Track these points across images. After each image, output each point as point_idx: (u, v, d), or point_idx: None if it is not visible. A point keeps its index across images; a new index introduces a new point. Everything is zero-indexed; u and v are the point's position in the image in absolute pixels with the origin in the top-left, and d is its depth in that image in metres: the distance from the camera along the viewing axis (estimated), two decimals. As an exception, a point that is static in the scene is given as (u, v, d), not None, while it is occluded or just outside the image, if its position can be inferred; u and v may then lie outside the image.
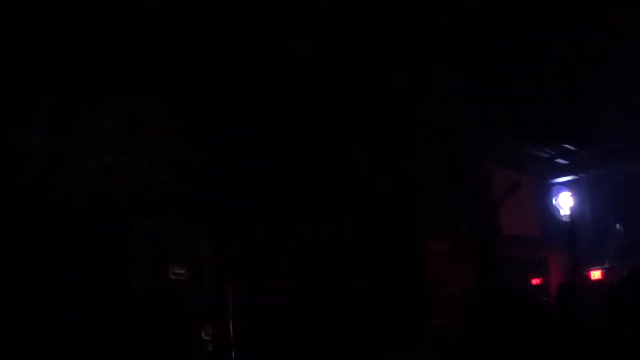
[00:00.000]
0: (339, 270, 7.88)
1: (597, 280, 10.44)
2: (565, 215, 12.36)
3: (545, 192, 12.94)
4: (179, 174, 6.81)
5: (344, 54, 7.51)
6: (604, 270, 10.62)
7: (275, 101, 7.55)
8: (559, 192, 12.75)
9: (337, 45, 7.36)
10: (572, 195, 12.52)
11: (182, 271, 6.36)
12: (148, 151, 6.66)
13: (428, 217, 9.03)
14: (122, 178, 6.36)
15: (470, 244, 8.40)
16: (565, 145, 11.31)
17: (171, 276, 6.27)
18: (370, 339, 7.43)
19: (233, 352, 6.46)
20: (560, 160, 12.16)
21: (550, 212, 12.67)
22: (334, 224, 7.99)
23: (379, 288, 8.12)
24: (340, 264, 7.91)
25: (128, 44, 6.46)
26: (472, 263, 8.35)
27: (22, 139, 5.64)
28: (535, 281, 11.40)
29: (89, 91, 6.26)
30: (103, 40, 6.24)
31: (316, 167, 7.93)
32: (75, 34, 6.09)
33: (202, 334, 6.39)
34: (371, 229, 8.41)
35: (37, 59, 5.82)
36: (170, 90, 6.88)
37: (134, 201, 6.34)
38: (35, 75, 5.81)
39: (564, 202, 12.54)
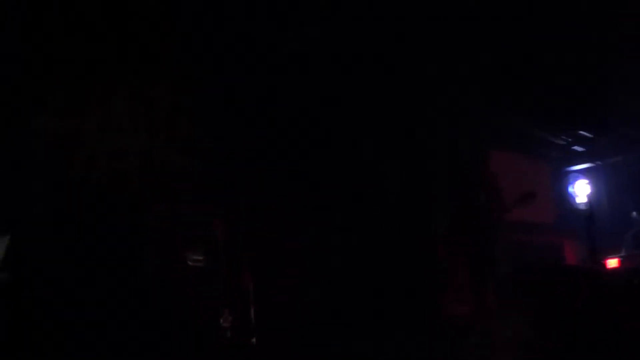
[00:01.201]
0: (352, 257, 7.90)
1: (614, 268, 10.39)
2: (581, 202, 12.28)
3: (561, 180, 12.88)
4: (195, 158, 6.83)
5: (349, 45, 7.50)
6: (620, 259, 10.56)
7: (290, 92, 7.55)
8: (576, 179, 12.66)
9: (341, 37, 7.35)
10: (589, 183, 12.43)
11: (200, 257, 6.37)
12: (164, 135, 6.68)
13: (437, 203, 9.03)
14: (138, 162, 6.38)
15: (470, 231, 8.35)
16: (582, 133, 11.24)
17: (189, 262, 6.28)
18: (381, 327, 7.44)
19: (254, 339, 6.47)
20: (576, 148, 12.09)
21: (566, 200, 12.61)
22: (346, 209, 8.01)
23: (390, 275, 8.14)
24: (352, 250, 7.92)
25: (142, 29, 6.47)
26: (471, 252, 8.32)
27: (37, 122, 5.66)
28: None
29: (104, 75, 6.28)
30: (118, 23, 6.26)
31: (326, 155, 7.94)
32: (90, 18, 6.11)
33: (221, 320, 6.41)
34: (382, 215, 8.43)
35: (50, 41, 5.83)
36: (185, 75, 6.89)
37: (150, 185, 6.36)
38: (50, 59, 5.83)
39: (580, 190, 12.45)
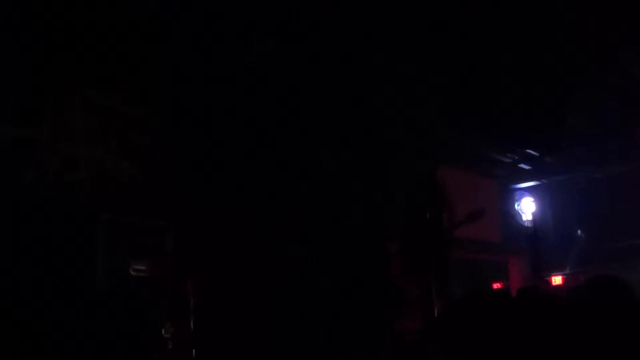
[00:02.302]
0: (302, 272, 7.85)
1: (557, 286, 10.53)
2: (527, 220, 12.45)
3: (507, 197, 13.03)
4: (145, 168, 6.74)
5: (304, 62, 7.50)
6: (565, 276, 10.72)
7: (245, 105, 7.50)
8: (522, 197, 12.84)
9: (297, 53, 7.35)
10: (534, 201, 12.61)
11: (144, 267, 6.28)
12: (115, 144, 6.58)
13: (389, 220, 9.04)
14: (88, 171, 6.27)
15: (422, 247, 8.38)
16: (528, 151, 11.39)
17: (132, 272, 6.18)
18: (333, 341, 7.40)
19: (193, 351, 6.36)
20: (523, 166, 12.25)
21: (511, 217, 12.76)
22: (297, 223, 7.96)
23: (342, 289, 8.10)
24: (303, 265, 7.87)
25: (97, 37, 6.37)
26: (425, 267, 8.34)
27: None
28: (496, 285, 11.45)
29: (57, 83, 6.17)
30: (73, 33, 6.15)
31: (279, 168, 7.90)
32: (45, 27, 6.00)
33: (163, 331, 6.30)
34: (334, 230, 8.40)
35: (4, 52, 5.71)
36: (138, 84, 6.80)
37: (99, 194, 6.25)
38: (2, 67, 5.71)
39: (526, 208, 12.63)
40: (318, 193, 8.29)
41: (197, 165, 7.15)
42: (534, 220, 12.11)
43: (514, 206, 12.93)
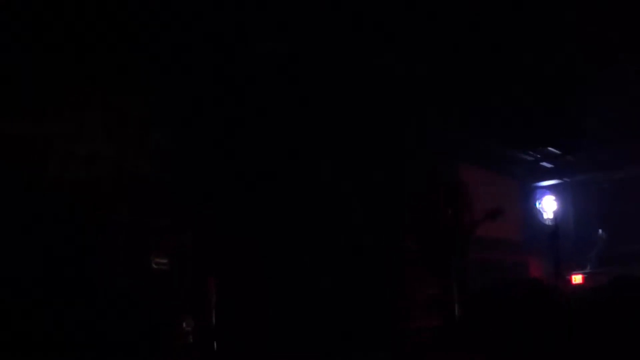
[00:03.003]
0: (320, 268, 7.87)
1: (578, 285, 10.49)
2: (548, 219, 12.37)
3: (528, 195, 12.97)
4: (163, 167, 6.78)
5: (321, 62, 7.50)
6: (585, 275, 10.67)
7: (262, 104, 7.52)
8: (543, 195, 12.76)
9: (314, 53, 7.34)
10: (555, 200, 12.53)
11: (165, 262, 6.34)
12: (133, 144, 6.63)
13: (401, 219, 9.04)
14: (108, 169, 6.32)
15: (441, 246, 8.37)
16: (550, 149, 11.32)
17: (154, 266, 6.24)
18: (346, 340, 7.42)
19: (215, 343, 6.43)
20: (545, 164, 12.19)
21: (532, 216, 12.70)
22: (316, 221, 7.98)
23: (358, 288, 8.12)
24: (321, 262, 7.89)
25: (114, 37, 6.41)
26: (441, 266, 8.34)
27: (7, 126, 5.59)
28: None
29: (76, 82, 6.21)
30: (90, 32, 6.19)
31: (297, 167, 7.93)
32: (64, 26, 6.04)
33: (184, 325, 6.37)
34: (352, 229, 8.41)
35: (23, 49, 5.76)
36: (157, 85, 6.83)
37: (118, 193, 6.30)
38: (23, 64, 5.76)
39: (547, 206, 12.54)
40: (334, 192, 8.32)
41: (215, 164, 7.19)
42: (555, 219, 12.03)
43: (535, 204, 12.85)
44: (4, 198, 5.43)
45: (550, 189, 12.93)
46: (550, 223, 12.20)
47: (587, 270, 10.84)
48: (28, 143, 5.76)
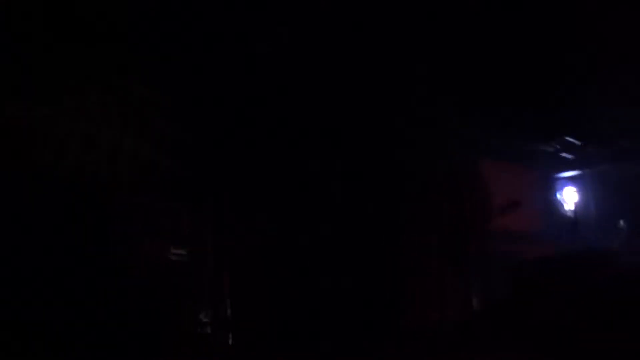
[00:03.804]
0: (331, 261, 7.87)
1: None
2: (569, 210, 12.32)
3: (549, 187, 12.89)
4: (182, 159, 6.84)
5: (334, 52, 7.49)
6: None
7: (264, 87, 7.54)
8: (564, 187, 12.69)
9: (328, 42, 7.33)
10: (576, 191, 12.47)
11: (182, 252, 6.40)
12: (148, 131, 6.68)
13: (414, 211, 9.02)
14: (121, 157, 6.37)
15: (457, 239, 8.37)
16: (570, 140, 11.24)
17: (172, 257, 6.30)
18: (363, 330, 7.44)
19: (231, 335, 6.48)
20: (565, 155, 12.09)
21: (553, 207, 12.63)
22: (331, 212, 7.99)
23: (375, 280, 8.13)
24: (336, 254, 7.90)
25: (115, 23, 6.44)
26: (458, 259, 8.34)
27: (8, 110, 5.62)
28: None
29: (77, 65, 6.25)
30: (93, 17, 6.23)
31: (313, 154, 7.93)
32: (65, 11, 6.09)
33: (201, 316, 6.43)
34: (368, 222, 8.40)
35: (24, 32, 5.81)
36: (157, 69, 6.86)
37: (133, 180, 6.35)
38: (23, 48, 5.81)
39: (568, 197, 12.48)
40: (350, 184, 8.32)
41: (231, 156, 7.23)
42: (574, 210, 11.98)
43: (556, 196, 12.78)
44: (25, 188, 5.51)
45: (571, 180, 12.84)
46: (571, 214, 12.15)
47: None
48: (48, 135, 5.84)
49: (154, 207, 6.41)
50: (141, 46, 6.64)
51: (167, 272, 6.26)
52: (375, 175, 8.59)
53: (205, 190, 6.99)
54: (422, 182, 9.19)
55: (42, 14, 5.93)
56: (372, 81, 8.06)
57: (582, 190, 12.56)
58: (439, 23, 7.12)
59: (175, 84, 6.95)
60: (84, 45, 6.26)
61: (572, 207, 12.21)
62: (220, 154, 7.20)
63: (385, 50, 7.56)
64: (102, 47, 6.40)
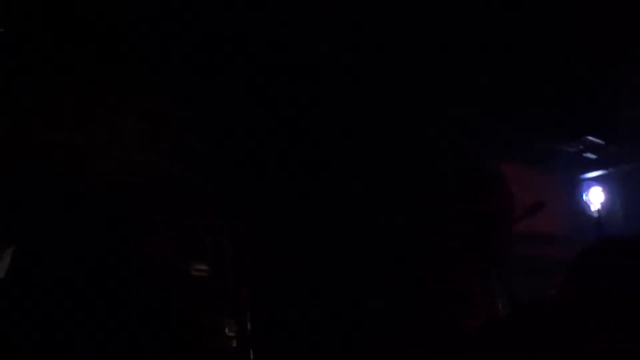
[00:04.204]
0: (360, 270, 7.83)
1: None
2: (595, 211, 12.18)
3: (574, 188, 12.76)
4: (200, 170, 6.86)
5: (352, 57, 7.48)
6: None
7: (295, 103, 7.55)
8: (589, 187, 12.55)
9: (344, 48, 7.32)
10: (602, 191, 12.32)
11: (204, 267, 6.40)
12: (168, 146, 6.72)
13: (440, 216, 8.95)
14: (142, 173, 6.41)
15: (480, 243, 8.28)
16: (592, 139, 11.12)
17: (194, 272, 6.31)
18: (386, 338, 7.37)
19: (252, 351, 6.46)
20: (588, 155, 11.97)
21: (580, 209, 12.50)
22: (353, 220, 7.96)
23: (399, 288, 8.07)
24: (360, 264, 7.86)
25: (147, 41, 6.50)
26: (482, 264, 8.24)
27: (42, 136, 5.72)
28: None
29: (109, 89, 6.33)
30: (123, 37, 6.30)
31: (331, 164, 7.92)
32: (94, 33, 6.16)
33: (226, 330, 6.42)
34: (390, 227, 8.36)
35: (57, 55, 5.89)
36: (190, 88, 6.92)
37: (154, 196, 6.39)
38: (56, 72, 5.89)
39: (594, 198, 12.33)
40: (372, 191, 8.28)
41: (252, 165, 7.24)
42: (598, 210, 11.84)
43: (582, 197, 12.65)
44: (41, 204, 5.57)
45: (597, 180, 12.71)
46: (597, 215, 12.01)
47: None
48: (65, 150, 5.90)
49: (175, 223, 6.43)
50: (171, 63, 6.70)
51: (189, 287, 6.26)
52: (397, 178, 8.55)
53: (226, 204, 6.99)
54: (445, 184, 9.14)
55: (68, 37, 6.02)
56: (396, 81, 8.04)
57: (608, 191, 12.42)
58: (457, 21, 7.10)
59: (197, 98, 6.99)
60: (113, 66, 6.34)
61: (599, 208, 12.06)
62: (241, 167, 7.21)
63: (407, 47, 7.53)
64: (131, 67, 6.47)
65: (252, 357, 6.50)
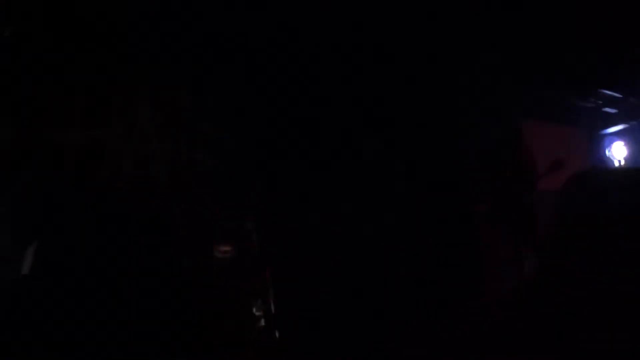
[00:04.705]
0: (386, 243, 7.85)
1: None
2: (619, 165, 12.11)
3: (597, 144, 12.68)
4: (220, 158, 6.91)
5: (367, 36, 7.46)
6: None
7: (313, 88, 7.55)
8: (612, 142, 12.46)
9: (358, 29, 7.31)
10: (625, 145, 12.23)
11: (229, 249, 6.48)
12: (185, 136, 6.77)
13: (473, 181, 8.94)
14: (163, 165, 6.47)
15: (507, 204, 8.27)
16: (610, 93, 11.01)
17: (218, 254, 6.39)
18: (418, 311, 7.39)
19: (277, 332, 6.54)
20: (608, 110, 11.86)
21: (603, 164, 12.41)
22: (377, 194, 7.96)
23: (428, 259, 8.08)
24: (386, 237, 7.87)
25: (156, 35, 6.54)
26: (510, 225, 8.23)
27: (61, 135, 5.80)
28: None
29: (122, 84, 6.39)
30: (136, 30, 6.35)
31: (352, 143, 7.92)
32: (106, 29, 6.21)
33: (254, 310, 6.50)
34: (416, 199, 8.35)
35: (68, 51, 5.96)
36: (204, 77, 6.95)
37: (175, 187, 6.45)
38: (68, 70, 5.96)
39: (618, 153, 12.25)
40: (395, 164, 8.27)
41: (270, 150, 7.28)
42: (625, 165, 11.76)
43: (605, 153, 12.56)
44: (63, 204, 5.64)
45: (619, 134, 12.60)
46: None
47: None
48: (82, 148, 5.98)
49: (198, 211, 6.50)
50: (183, 53, 6.73)
51: (215, 270, 6.35)
52: (419, 150, 8.52)
53: (251, 189, 7.05)
54: (465, 150, 9.12)
55: (80, 34, 6.08)
56: (415, 47, 7.99)
57: (631, 144, 12.31)
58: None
59: (216, 88, 7.03)
60: (125, 60, 6.40)
61: (623, 163, 11.98)
62: (262, 152, 7.25)
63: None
64: (143, 59, 6.52)
65: (277, 336, 6.57)
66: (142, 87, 6.57)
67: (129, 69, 6.45)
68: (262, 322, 6.44)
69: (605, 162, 12.41)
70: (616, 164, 12.18)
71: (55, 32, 5.93)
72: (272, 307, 6.62)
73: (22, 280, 5.20)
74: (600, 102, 11.45)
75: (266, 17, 6.77)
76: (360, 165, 7.97)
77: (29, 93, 5.74)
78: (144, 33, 6.45)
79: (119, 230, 5.85)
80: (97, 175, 6.05)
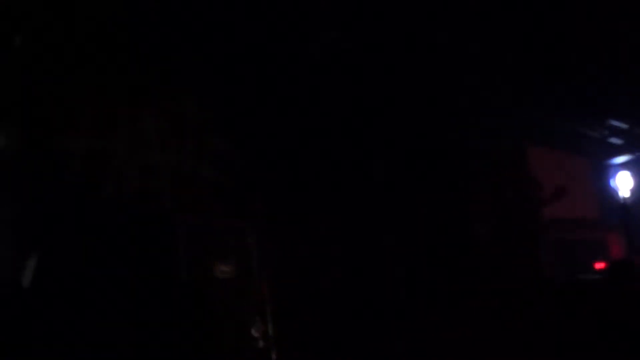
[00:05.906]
0: (389, 261, 7.86)
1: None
2: (624, 196, 12.10)
3: (602, 174, 12.68)
4: (224, 171, 6.92)
5: (375, 51, 7.46)
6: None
7: (317, 104, 7.57)
8: (617, 172, 12.45)
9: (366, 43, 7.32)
10: (630, 176, 12.22)
11: (228, 268, 6.47)
12: (192, 149, 6.79)
13: (474, 203, 8.93)
14: (166, 176, 6.48)
15: (515, 229, 8.28)
16: (615, 124, 11.01)
17: (217, 274, 6.38)
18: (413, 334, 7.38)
19: (273, 353, 6.53)
20: (614, 140, 11.86)
21: (609, 194, 12.41)
22: (380, 215, 7.97)
23: (429, 279, 8.08)
24: (388, 255, 7.88)
25: (166, 47, 6.57)
26: (512, 250, 8.23)
27: (69, 143, 5.81)
28: (598, 265, 11.15)
29: (131, 94, 6.41)
30: (145, 42, 6.38)
31: (358, 163, 7.92)
32: (116, 39, 6.25)
33: (252, 331, 6.48)
34: (420, 220, 8.35)
35: (77, 63, 5.99)
36: (211, 91, 6.96)
37: (178, 198, 6.45)
38: (79, 80, 5.98)
39: (622, 183, 12.24)
40: (399, 184, 8.28)
41: (275, 166, 7.28)
42: (630, 196, 11.74)
43: (610, 182, 12.56)
44: (68, 209, 5.66)
45: (625, 165, 12.59)
46: (626, 200, 11.93)
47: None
48: (88, 158, 5.99)
49: (200, 225, 6.50)
50: (192, 66, 6.75)
51: (214, 288, 6.33)
52: (424, 173, 8.53)
53: (253, 206, 7.06)
54: (469, 176, 9.13)
55: (91, 45, 6.11)
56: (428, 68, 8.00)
57: (636, 175, 12.30)
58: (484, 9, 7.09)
59: (225, 102, 7.05)
60: (134, 72, 6.42)
61: (628, 193, 11.96)
62: (271, 168, 7.27)
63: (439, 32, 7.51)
64: (152, 72, 6.55)
65: (274, 357, 6.56)
66: (148, 97, 6.60)
67: (136, 79, 6.48)
68: (260, 344, 6.44)
69: (610, 191, 12.41)
70: (620, 194, 12.16)
71: (63, 42, 5.97)
72: (270, 329, 6.61)
73: (24, 290, 5.23)
74: (607, 132, 11.44)
75: (268, 29, 6.81)
76: (362, 184, 7.98)
77: (36, 102, 5.77)
78: (151, 44, 6.48)
79: (119, 239, 5.88)
80: (101, 184, 6.05)
